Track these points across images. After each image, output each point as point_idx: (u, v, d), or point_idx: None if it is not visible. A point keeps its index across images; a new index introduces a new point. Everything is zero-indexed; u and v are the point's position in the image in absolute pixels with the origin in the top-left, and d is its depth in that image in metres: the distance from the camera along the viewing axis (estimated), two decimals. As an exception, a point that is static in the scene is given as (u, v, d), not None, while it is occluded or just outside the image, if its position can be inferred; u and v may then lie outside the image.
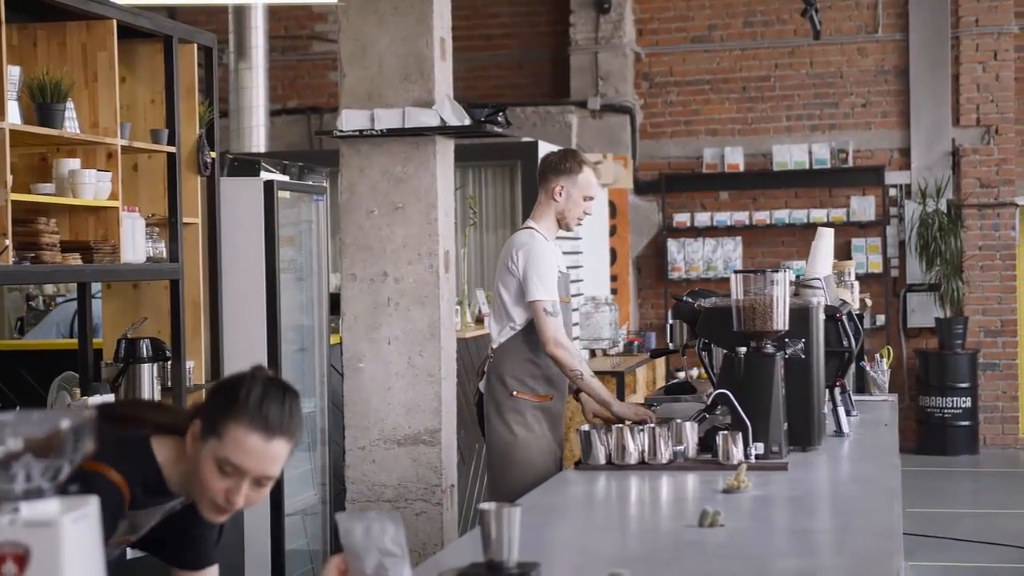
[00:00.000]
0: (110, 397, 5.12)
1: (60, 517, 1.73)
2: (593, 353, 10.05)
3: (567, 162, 5.23)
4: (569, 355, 5.04)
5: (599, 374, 8.77)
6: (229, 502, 2.57)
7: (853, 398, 5.67)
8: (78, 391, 5.38)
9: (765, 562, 2.97)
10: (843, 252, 12.20)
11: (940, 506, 9.97)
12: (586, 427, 4.35)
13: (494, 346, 5.24)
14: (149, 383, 5.34)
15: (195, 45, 5.81)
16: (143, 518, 2.69)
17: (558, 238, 5.36)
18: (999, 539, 8.59)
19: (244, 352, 6.12)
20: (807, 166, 12.56)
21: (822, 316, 4.69)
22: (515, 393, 5.13)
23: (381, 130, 5.65)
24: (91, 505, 1.78)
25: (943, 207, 12.21)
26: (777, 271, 4.41)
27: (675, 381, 6.46)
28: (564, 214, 5.21)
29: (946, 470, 11.60)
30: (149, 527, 2.74)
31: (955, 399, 12.07)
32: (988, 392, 12.39)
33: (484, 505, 2.73)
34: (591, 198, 5.25)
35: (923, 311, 12.42)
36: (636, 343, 10.74)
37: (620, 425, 4.32)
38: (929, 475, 11.26)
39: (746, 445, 4.22)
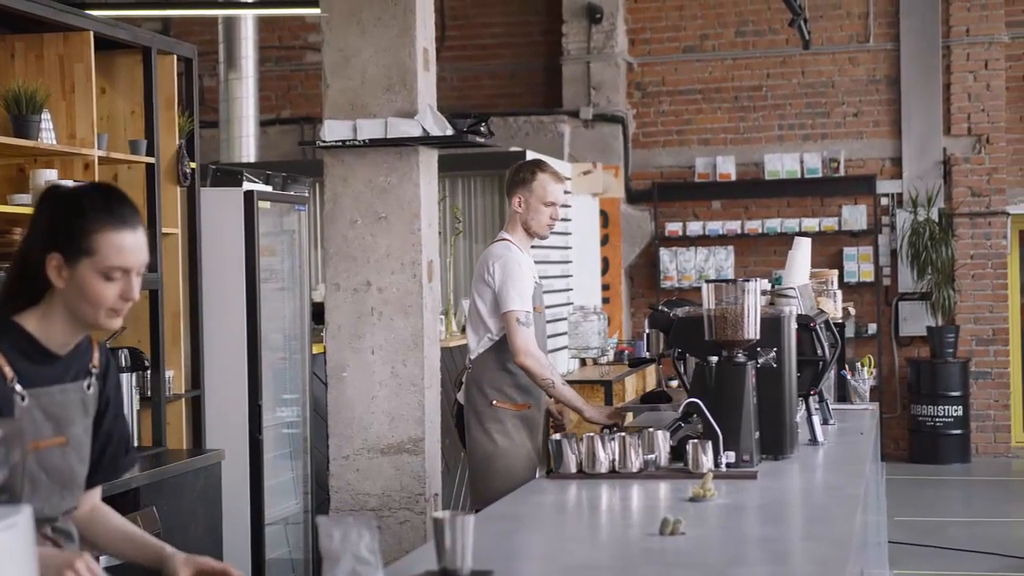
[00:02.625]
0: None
1: (-11, 525, 1.74)
2: (583, 362, 10.07)
3: (521, 172, 5.37)
4: (539, 365, 5.12)
5: (588, 383, 8.84)
6: (124, 301, 2.68)
7: (833, 407, 5.68)
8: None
9: (720, 570, 2.98)
10: (835, 261, 12.23)
11: (930, 515, 9.98)
12: (557, 436, 4.36)
13: (472, 356, 5.33)
14: (128, 393, 5.35)
15: (175, 56, 5.84)
16: (52, 402, 2.69)
17: (534, 247, 5.41)
18: (988, 547, 8.59)
19: (225, 361, 6.14)
20: (799, 175, 12.58)
21: (794, 325, 4.70)
22: (494, 403, 5.22)
23: (364, 140, 5.68)
24: (22, 514, 1.80)
25: (935, 216, 12.22)
26: (748, 281, 4.42)
27: (651, 390, 6.47)
28: (529, 223, 5.32)
29: (937, 479, 11.60)
30: (78, 429, 2.73)
31: (947, 408, 12.07)
32: (980, 401, 12.40)
33: (438, 514, 2.75)
34: (552, 204, 5.33)
35: (915, 320, 12.43)
36: (627, 352, 10.76)
37: (591, 434, 4.34)
38: (920, 484, 11.27)
39: (716, 454, 4.23)
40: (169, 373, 5.69)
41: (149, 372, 5.53)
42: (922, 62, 12.47)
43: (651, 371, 11.00)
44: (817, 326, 5.02)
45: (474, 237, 9.93)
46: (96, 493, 2.93)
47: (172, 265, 5.78)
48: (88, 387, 2.78)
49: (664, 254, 12.78)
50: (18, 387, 2.63)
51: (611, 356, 10.30)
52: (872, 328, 12.41)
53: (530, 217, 5.30)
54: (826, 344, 5.04)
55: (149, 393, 5.54)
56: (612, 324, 11.45)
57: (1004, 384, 12.47)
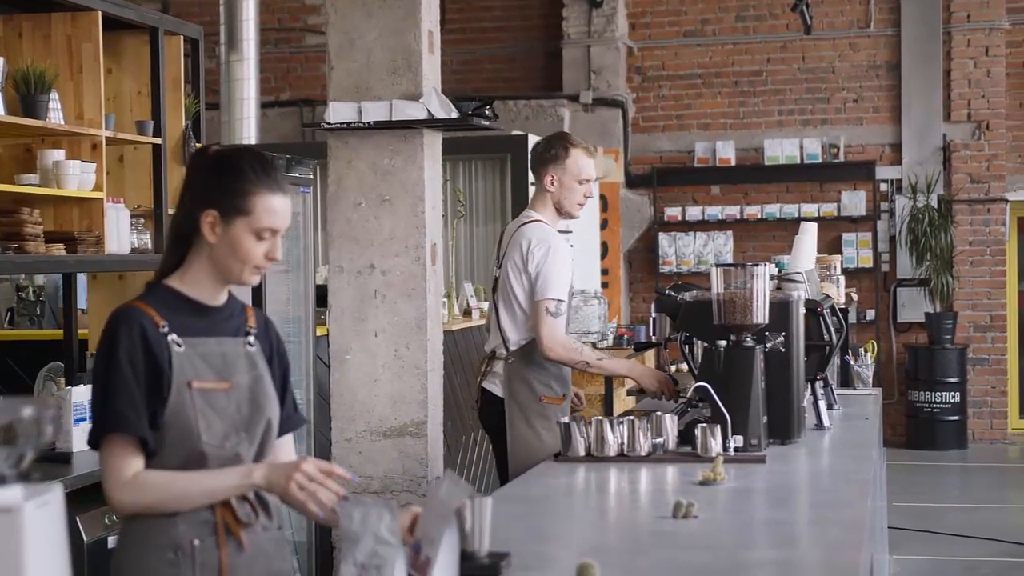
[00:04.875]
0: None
1: (22, 503, 1.74)
2: (583, 346, 10.06)
3: (552, 149, 5.12)
4: (567, 352, 4.92)
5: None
6: (269, 260, 2.85)
7: (837, 392, 5.69)
8: (63, 381, 5.39)
9: (734, 553, 2.99)
10: (834, 247, 12.24)
11: (928, 500, 10.00)
12: (566, 419, 4.37)
13: (511, 347, 5.08)
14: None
15: (181, 37, 5.82)
16: (210, 351, 2.83)
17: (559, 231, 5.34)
18: (986, 533, 8.62)
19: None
20: (798, 161, 12.58)
21: (802, 310, 4.70)
22: (543, 398, 5.02)
23: (368, 123, 5.67)
24: (54, 493, 1.80)
25: (934, 202, 12.24)
26: (757, 265, 4.42)
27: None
28: (561, 203, 5.11)
29: (935, 464, 11.63)
30: (244, 378, 2.86)
31: (944, 394, 12.10)
32: (977, 387, 12.42)
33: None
34: (587, 180, 5.11)
35: (913, 306, 12.45)
36: (626, 336, 10.77)
37: (600, 417, 4.34)
38: (918, 469, 11.30)
39: (725, 438, 4.24)
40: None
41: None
42: (922, 48, 12.47)
43: (650, 355, 11.01)
44: (824, 311, 5.02)
45: (475, 220, 9.92)
46: (286, 451, 3.05)
47: (178, 246, 5.77)
48: (249, 344, 2.91)
49: (663, 239, 12.78)
50: (172, 335, 2.78)
51: (610, 340, 10.31)
52: (871, 314, 12.43)
53: (563, 196, 5.08)
54: (833, 329, 5.05)
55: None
56: (611, 309, 11.46)
57: (1001, 371, 12.50)
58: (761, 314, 4.40)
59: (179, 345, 2.79)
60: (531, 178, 9.76)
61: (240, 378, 2.87)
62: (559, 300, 4.92)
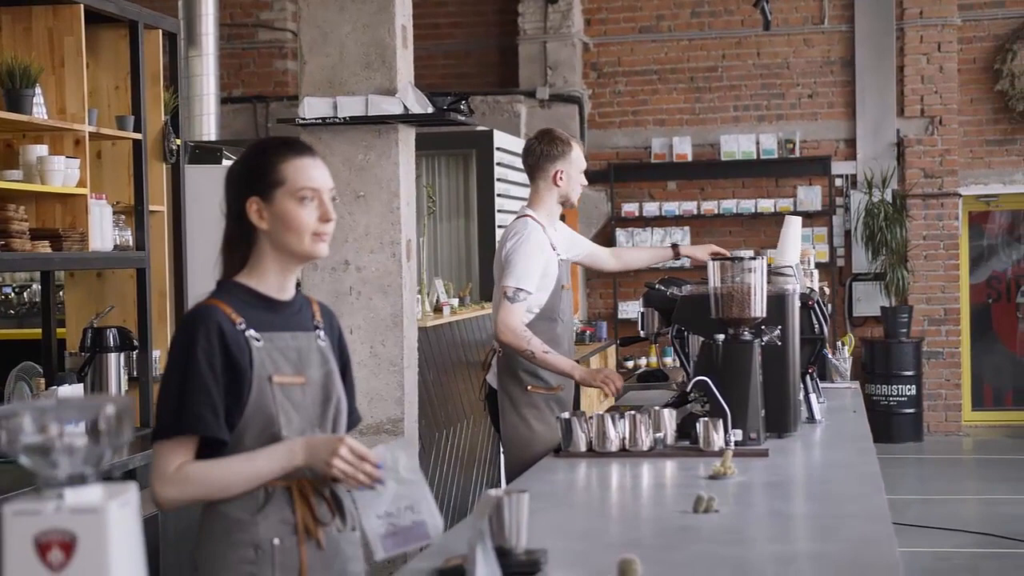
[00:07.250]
0: (79, 387, 5.05)
1: (105, 503, 1.70)
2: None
3: (557, 145, 5.20)
4: (516, 337, 4.96)
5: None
6: (324, 222, 2.81)
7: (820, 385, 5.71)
8: (41, 381, 5.29)
9: (766, 546, 2.99)
10: (790, 242, 12.29)
11: (888, 493, 10.04)
12: (566, 414, 4.35)
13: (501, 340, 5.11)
14: (116, 373, 5.28)
15: (160, 31, 5.73)
16: (287, 346, 2.82)
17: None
18: (948, 524, 8.69)
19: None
20: (754, 156, 12.63)
21: (797, 303, 4.71)
22: (529, 388, 5.09)
23: (344, 118, 5.62)
24: (132, 492, 1.76)
25: (888, 197, 12.33)
26: (755, 258, 4.42)
27: (648, 369, 6.47)
28: (569, 195, 5.23)
29: (891, 457, 11.71)
30: (316, 373, 2.84)
31: (900, 387, 12.20)
32: (932, 380, 12.54)
33: (493, 491, 2.72)
34: (584, 170, 5.29)
35: (869, 300, 12.55)
36: (588, 332, 10.78)
37: (601, 412, 4.32)
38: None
39: (725, 432, 4.24)
40: (156, 352, 5.60)
41: (136, 352, 5.43)
42: (876, 44, 12.57)
43: (611, 351, 11.02)
44: (814, 304, 5.04)
45: (440, 216, 9.88)
46: None
47: (158, 243, 5.69)
48: (320, 339, 2.89)
49: (620, 235, 12.79)
50: (250, 331, 2.77)
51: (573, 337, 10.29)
52: (827, 308, 12.49)
53: (570, 189, 5.20)
54: (823, 321, 5.07)
55: (136, 373, 5.45)
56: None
57: (955, 363, 12.62)
58: (759, 307, 4.41)
59: (257, 340, 2.78)
60: (498, 173, 9.75)
61: (313, 373, 2.85)
62: (518, 288, 4.98)
